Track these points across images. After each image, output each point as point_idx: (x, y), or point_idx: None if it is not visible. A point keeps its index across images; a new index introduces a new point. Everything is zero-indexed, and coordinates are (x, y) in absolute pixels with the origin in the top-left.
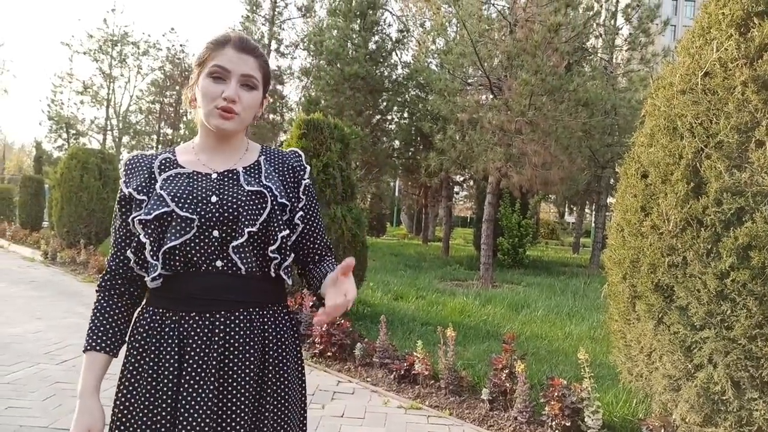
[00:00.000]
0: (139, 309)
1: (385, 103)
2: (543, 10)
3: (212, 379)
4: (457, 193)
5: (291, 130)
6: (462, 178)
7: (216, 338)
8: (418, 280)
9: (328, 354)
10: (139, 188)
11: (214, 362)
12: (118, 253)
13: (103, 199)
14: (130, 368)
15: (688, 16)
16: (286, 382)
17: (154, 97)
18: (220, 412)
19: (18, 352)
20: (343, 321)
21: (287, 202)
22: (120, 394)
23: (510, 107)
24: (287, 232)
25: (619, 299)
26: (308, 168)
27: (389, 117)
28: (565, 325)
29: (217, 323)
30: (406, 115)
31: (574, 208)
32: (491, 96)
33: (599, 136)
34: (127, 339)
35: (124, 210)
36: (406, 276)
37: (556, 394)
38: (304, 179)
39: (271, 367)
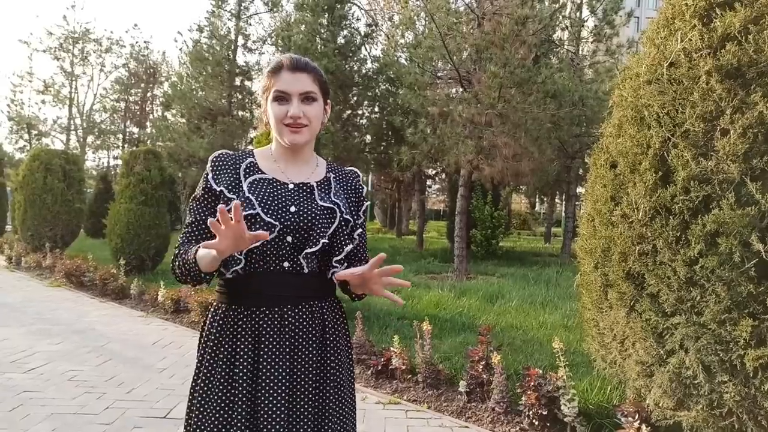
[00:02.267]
0: (212, 308)
1: (355, 98)
2: (510, 2)
3: (286, 365)
4: (430, 187)
5: (260, 126)
6: (434, 172)
7: (286, 329)
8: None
9: None
10: (230, 187)
11: (286, 350)
12: (194, 233)
13: (69, 200)
14: (209, 359)
15: (650, 8)
16: (342, 364)
17: (118, 95)
18: (291, 394)
19: None
20: None
21: (351, 219)
22: (198, 385)
23: (480, 100)
24: (350, 247)
25: (591, 288)
26: (365, 188)
27: (360, 112)
28: (539, 315)
29: (286, 316)
30: (376, 109)
31: (545, 199)
32: (461, 89)
33: (567, 127)
34: (201, 336)
35: (208, 201)
36: None
37: (532, 383)
38: (365, 201)
39: (330, 351)
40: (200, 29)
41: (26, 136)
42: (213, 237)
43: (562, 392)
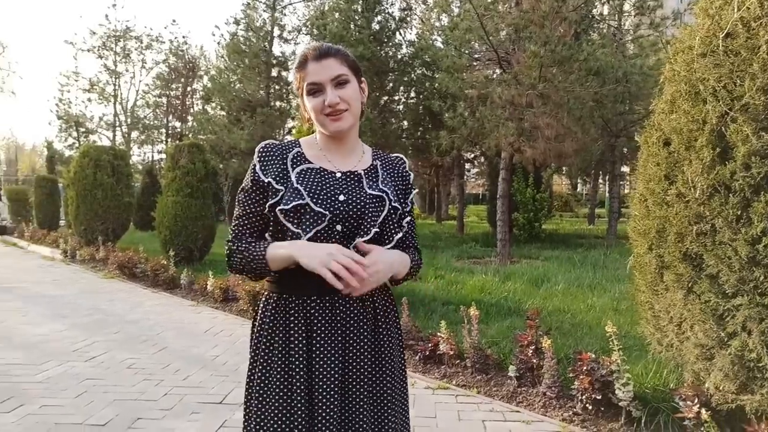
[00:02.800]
0: (263, 298)
1: (391, 84)
2: None
3: (338, 355)
4: (468, 171)
5: (304, 123)
6: (473, 155)
7: (337, 318)
8: (435, 259)
9: None
10: (278, 178)
11: (338, 340)
12: (246, 226)
13: (118, 195)
14: (264, 348)
15: None
16: (394, 351)
17: (160, 91)
18: (344, 382)
19: (46, 351)
20: None
21: (399, 207)
22: (256, 374)
23: (520, 81)
24: (400, 235)
25: (645, 270)
26: (412, 175)
27: (396, 97)
28: (587, 298)
29: (337, 305)
30: (413, 94)
31: (588, 180)
32: (500, 70)
33: (611, 104)
34: (254, 326)
35: (258, 193)
36: (423, 256)
37: (584, 368)
38: (413, 189)
39: (384, 340)
40: (237, 22)
41: (75, 134)
42: (265, 228)
43: (616, 376)
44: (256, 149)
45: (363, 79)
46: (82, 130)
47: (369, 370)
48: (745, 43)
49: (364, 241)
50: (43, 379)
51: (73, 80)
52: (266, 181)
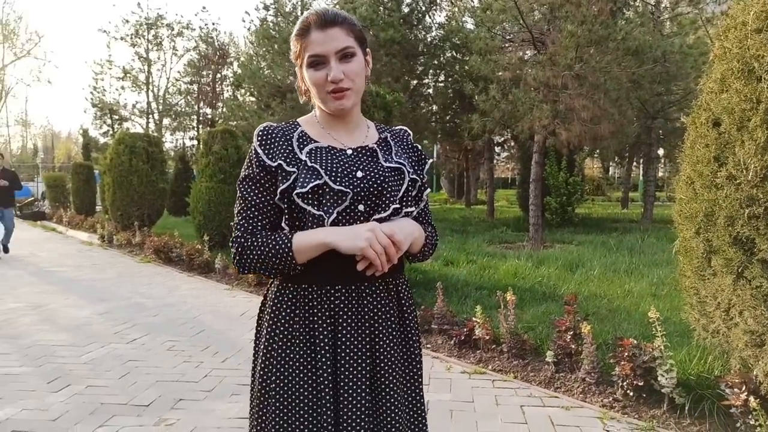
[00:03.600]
0: (274, 288)
1: (421, 68)
2: None
3: (366, 347)
4: (498, 154)
5: (301, 97)
6: (503, 139)
7: (365, 309)
8: (467, 244)
9: None
10: (288, 160)
11: (367, 331)
12: (257, 218)
13: (152, 181)
14: (282, 346)
15: None
16: (418, 339)
17: (191, 78)
18: (374, 375)
19: (89, 334)
20: None
21: (417, 178)
22: (272, 373)
23: (555, 62)
24: (414, 209)
25: (692, 255)
26: (419, 146)
27: (425, 81)
28: (624, 283)
29: (364, 294)
30: (442, 77)
31: (621, 163)
32: (534, 51)
33: (649, 85)
34: (262, 318)
35: (266, 180)
36: (454, 241)
37: (626, 354)
38: (428, 158)
39: (411, 329)
40: (266, 7)
41: (109, 121)
42: (279, 219)
43: (659, 362)
44: (255, 133)
45: (368, 50)
46: (116, 117)
47: (399, 357)
48: None
49: (382, 218)
50: (87, 360)
51: (107, 68)
52: (275, 164)
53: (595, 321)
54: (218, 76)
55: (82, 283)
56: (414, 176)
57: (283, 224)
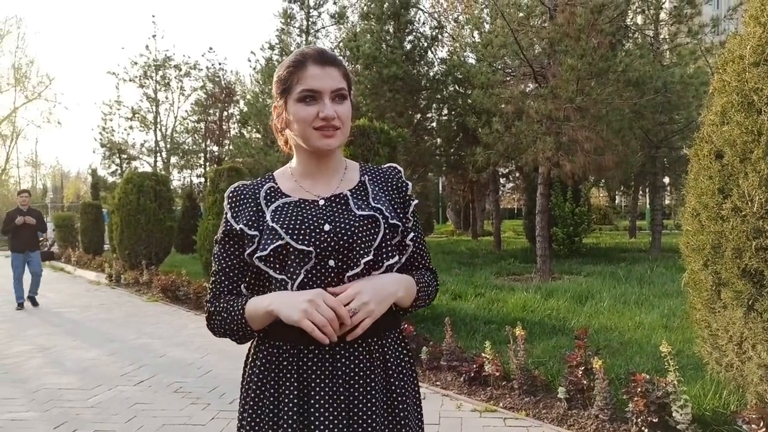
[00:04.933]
0: (254, 342)
1: (424, 102)
2: None
3: (342, 414)
4: (503, 186)
5: (278, 138)
6: (507, 170)
7: (340, 371)
8: (474, 277)
9: None
10: (249, 223)
11: (341, 397)
12: (224, 283)
13: (160, 219)
14: (252, 405)
15: None
16: (409, 408)
17: (198, 116)
18: None
19: (96, 376)
20: (406, 325)
21: (398, 223)
22: (244, 425)
23: (557, 94)
24: (395, 259)
25: (701, 287)
26: (410, 185)
27: (429, 115)
28: (634, 315)
29: (338, 356)
30: (445, 111)
31: (627, 192)
32: (535, 85)
33: (651, 115)
34: (244, 371)
35: (231, 243)
36: (461, 274)
37: (639, 389)
38: (413, 200)
39: (398, 398)
40: (272, 47)
41: (117, 160)
42: (240, 282)
43: (673, 398)
44: (226, 195)
45: (352, 97)
46: (125, 156)
47: (383, 427)
48: None
49: (354, 275)
50: (94, 403)
51: (116, 109)
52: (237, 228)
53: (606, 355)
54: (225, 114)
55: (89, 324)
56: (394, 221)
57: (243, 288)
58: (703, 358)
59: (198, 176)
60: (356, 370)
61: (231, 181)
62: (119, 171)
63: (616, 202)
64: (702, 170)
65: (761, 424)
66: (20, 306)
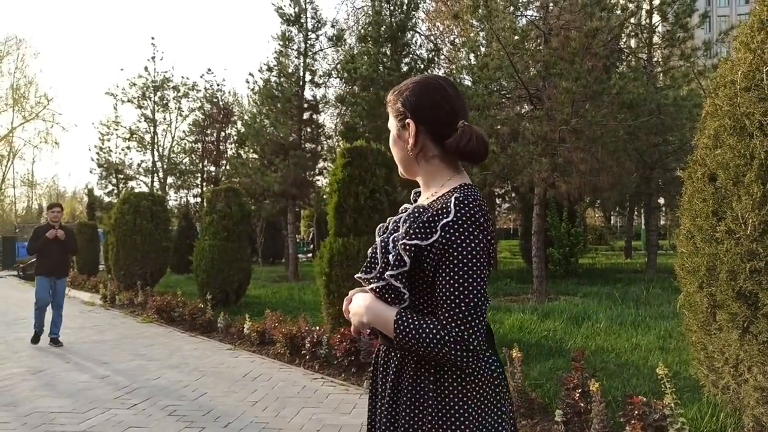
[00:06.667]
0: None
1: None
2: (577, 15)
3: (370, 399)
4: (500, 206)
5: (332, 157)
6: (503, 191)
7: (377, 368)
8: None
9: None
10: None
11: (372, 389)
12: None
13: (156, 239)
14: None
15: (722, 5)
16: (416, 418)
17: (195, 137)
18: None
19: (89, 399)
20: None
21: (389, 256)
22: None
23: (552, 116)
24: (376, 284)
25: (696, 309)
26: (452, 212)
27: None
28: (631, 336)
29: (380, 355)
30: None
31: (623, 212)
32: (530, 107)
33: (645, 136)
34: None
35: None
36: None
37: (636, 412)
38: (442, 221)
39: (402, 398)
40: (270, 69)
41: (114, 180)
42: None
43: (670, 421)
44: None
45: (408, 121)
46: (122, 176)
47: (386, 417)
48: None
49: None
50: (87, 427)
51: (114, 129)
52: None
53: (603, 377)
54: (222, 134)
55: (83, 345)
56: (414, 242)
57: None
58: (700, 380)
59: (195, 196)
60: (380, 369)
61: (228, 202)
62: (116, 191)
63: (612, 222)
64: (696, 192)
65: None
66: (35, 339)
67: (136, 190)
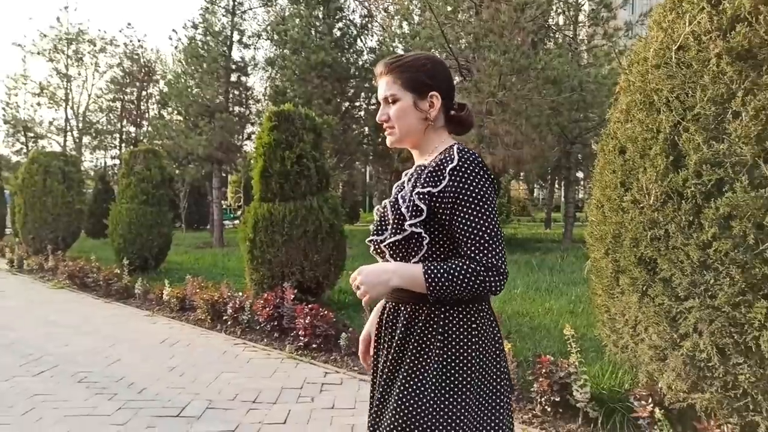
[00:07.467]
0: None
1: (352, 90)
2: None
3: (373, 357)
4: None
5: (259, 122)
6: None
7: (381, 323)
8: None
9: (313, 346)
10: None
11: (375, 344)
12: None
13: (69, 202)
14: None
15: None
16: (417, 372)
17: (114, 95)
18: (374, 383)
19: None
20: (326, 312)
21: (403, 209)
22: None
23: (480, 89)
24: (384, 236)
25: (602, 274)
26: (452, 161)
27: (357, 103)
28: (544, 301)
29: (385, 311)
30: (374, 100)
31: (544, 185)
32: (460, 78)
33: (567, 112)
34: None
35: None
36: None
37: (543, 370)
38: (447, 175)
39: (408, 349)
40: (195, 26)
41: (22, 139)
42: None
43: (574, 378)
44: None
45: (433, 93)
46: (31, 135)
47: (388, 368)
48: (696, 56)
49: (374, 251)
50: None
51: (22, 83)
52: None
53: (517, 339)
54: (143, 93)
55: None
56: (417, 204)
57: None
58: (603, 340)
59: (113, 158)
60: (384, 324)
61: (147, 164)
62: (24, 150)
63: (535, 194)
64: (607, 164)
65: (649, 400)
66: None
67: (48, 150)
